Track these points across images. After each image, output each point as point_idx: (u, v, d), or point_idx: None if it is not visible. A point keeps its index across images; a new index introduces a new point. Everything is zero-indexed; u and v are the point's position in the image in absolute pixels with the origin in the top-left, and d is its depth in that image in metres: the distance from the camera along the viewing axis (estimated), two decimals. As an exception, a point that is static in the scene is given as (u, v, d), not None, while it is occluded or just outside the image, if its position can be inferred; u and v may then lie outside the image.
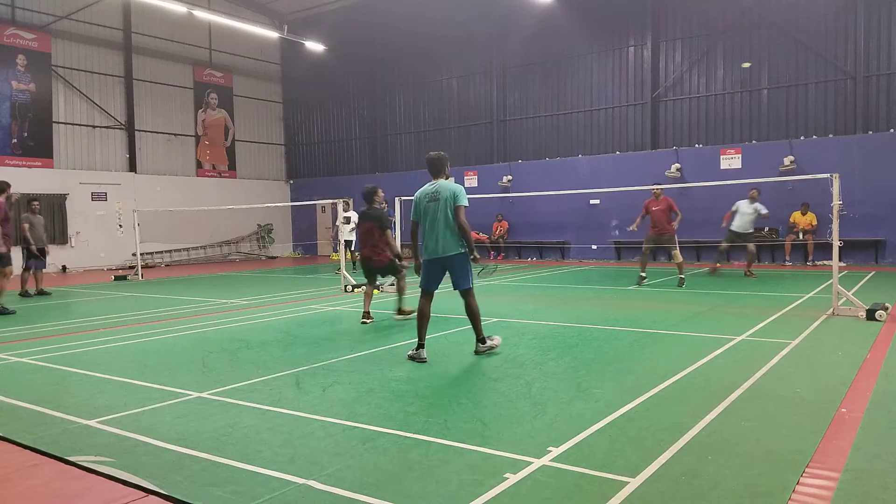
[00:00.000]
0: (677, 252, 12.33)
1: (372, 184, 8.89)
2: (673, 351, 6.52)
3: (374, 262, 8.55)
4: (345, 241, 16.20)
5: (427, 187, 6.35)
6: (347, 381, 5.52)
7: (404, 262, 8.62)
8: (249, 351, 6.95)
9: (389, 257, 8.53)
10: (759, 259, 17.20)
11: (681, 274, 12.34)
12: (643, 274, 12.60)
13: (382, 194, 8.78)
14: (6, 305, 10.46)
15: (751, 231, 13.58)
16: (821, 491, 3.18)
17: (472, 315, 6.32)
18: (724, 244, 13.91)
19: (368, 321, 8.51)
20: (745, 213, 13.39)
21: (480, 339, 6.35)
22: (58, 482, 3.54)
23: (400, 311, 8.68)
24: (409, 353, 6.28)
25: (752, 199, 13.38)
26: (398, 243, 13.46)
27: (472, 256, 6.27)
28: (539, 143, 21.38)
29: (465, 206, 6.18)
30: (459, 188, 6.25)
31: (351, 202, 17.69)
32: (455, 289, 6.33)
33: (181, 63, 23.73)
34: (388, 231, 8.44)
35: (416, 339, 6.30)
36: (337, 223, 15.20)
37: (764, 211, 13.38)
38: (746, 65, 17.01)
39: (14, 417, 4.70)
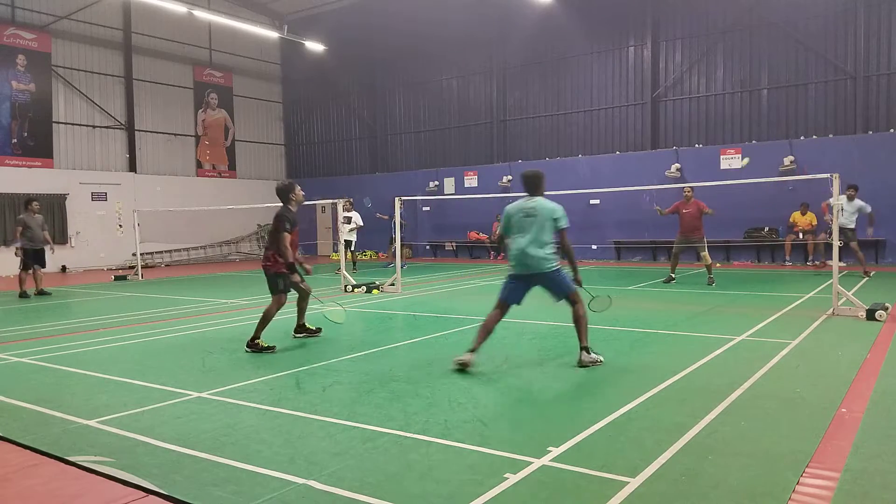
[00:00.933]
0: (706, 254, 12.40)
1: (290, 180, 7.51)
2: (673, 351, 6.52)
3: (265, 269, 7.18)
4: (345, 240, 16.20)
5: (523, 202, 6.08)
6: (347, 381, 5.52)
7: (295, 276, 7.05)
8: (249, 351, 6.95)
9: (280, 268, 7.02)
10: (759, 259, 17.24)
11: (710, 274, 12.39)
12: (673, 275, 12.69)
13: (302, 194, 7.31)
14: None
15: (850, 227, 13.02)
16: (821, 491, 3.17)
17: (578, 321, 5.97)
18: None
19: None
20: (845, 211, 13.02)
21: (584, 348, 5.94)
22: (58, 482, 3.54)
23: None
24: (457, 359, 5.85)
25: (850, 198, 12.93)
26: (398, 242, 13.55)
27: (575, 279, 6.09)
28: (539, 143, 21.37)
29: (567, 228, 6.01)
30: (560, 209, 6.00)
31: (352, 202, 17.67)
32: (558, 301, 6.06)
33: (181, 63, 23.72)
34: (283, 234, 6.93)
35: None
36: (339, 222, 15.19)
37: (868, 209, 12.89)
38: (745, 161, 16.45)
39: (14, 417, 4.70)
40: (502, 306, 6.10)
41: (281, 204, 7.19)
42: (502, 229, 6.23)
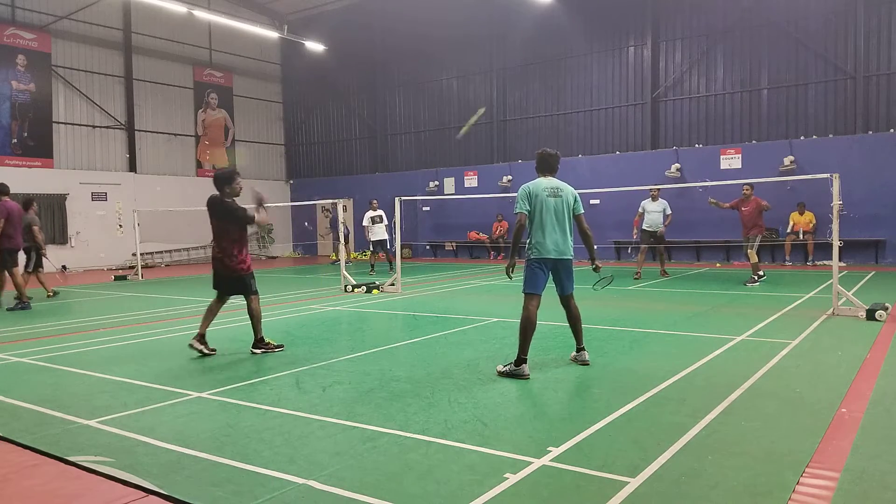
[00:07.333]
0: (752, 251, 12.21)
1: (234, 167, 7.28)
2: (673, 351, 6.52)
3: (238, 273, 7.13)
4: (377, 240, 16.32)
5: (545, 182, 5.86)
6: (347, 381, 5.51)
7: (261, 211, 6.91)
8: (249, 351, 6.95)
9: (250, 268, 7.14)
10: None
11: (754, 273, 12.24)
12: (761, 273, 12.44)
13: (240, 188, 7.51)
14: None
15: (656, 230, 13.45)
16: (821, 491, 3.17)
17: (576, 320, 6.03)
18: None
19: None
20: (652, 212, 13.33)
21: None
22: (58, 482, 3.54)
23: (260, 342, 6.90)
24: (506, 369, 5.55)
25: (654, 198, 13.34)
26: (398, 242, 13.50)
27: (594, 266, 6.18)
28: (539, 143, 21.32)
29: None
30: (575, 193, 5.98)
31: (376, 203, 17.07)
32: (564, 293, 5.99)
33: (181, 63, 23.71)
34: (245, 216, 7.22)
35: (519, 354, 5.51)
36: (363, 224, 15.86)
37: (668, 211, 13.51)
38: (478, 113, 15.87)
39: (14, 417, 4.69)
40: (536, 297, 5.80)
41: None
42: (524, 207, 5.80)
